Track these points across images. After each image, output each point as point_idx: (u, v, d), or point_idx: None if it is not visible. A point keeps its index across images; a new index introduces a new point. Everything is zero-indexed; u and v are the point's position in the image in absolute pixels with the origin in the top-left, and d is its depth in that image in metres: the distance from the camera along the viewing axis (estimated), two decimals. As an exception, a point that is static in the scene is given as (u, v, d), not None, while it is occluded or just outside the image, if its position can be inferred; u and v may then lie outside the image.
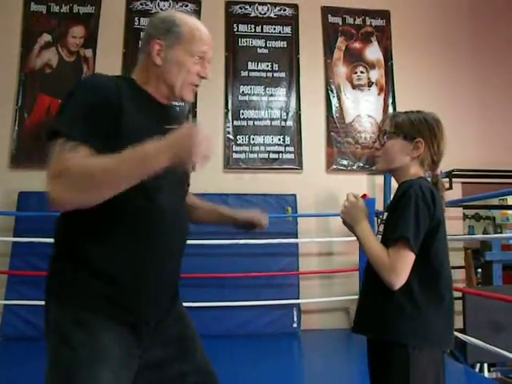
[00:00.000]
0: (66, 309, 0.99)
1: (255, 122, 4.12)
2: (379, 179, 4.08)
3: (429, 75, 4.35)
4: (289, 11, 4.32)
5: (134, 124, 1.00)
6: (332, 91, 4.27)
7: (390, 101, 4.32)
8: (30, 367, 2.39)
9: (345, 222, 1.26)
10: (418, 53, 4.37)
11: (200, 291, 3.30)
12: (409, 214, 1.11)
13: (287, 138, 4.13)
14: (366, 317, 1.22)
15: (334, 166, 4.16)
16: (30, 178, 3.56)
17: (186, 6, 4.19)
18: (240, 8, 4.27)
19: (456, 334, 2.74)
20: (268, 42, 4.25)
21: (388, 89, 4.34)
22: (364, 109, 4.29)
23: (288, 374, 2.62)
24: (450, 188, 3.68)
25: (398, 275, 1.10)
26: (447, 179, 3.64)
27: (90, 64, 4.00)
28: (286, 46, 4.27)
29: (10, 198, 3.61)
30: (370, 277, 1.18)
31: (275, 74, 4.21)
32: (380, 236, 1.22)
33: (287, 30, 4.29)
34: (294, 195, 3.92)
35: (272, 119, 4.15)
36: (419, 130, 1.22)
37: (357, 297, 3.50)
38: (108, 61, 3.95)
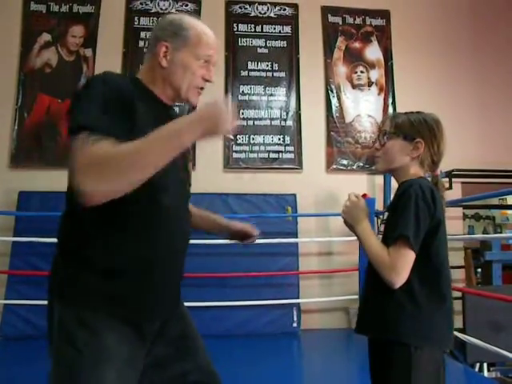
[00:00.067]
0: (69, 308, 0.99)
1: (255, 122, 4.12)
2: (379, 179, 4.08)
3: (429, 75, 4.35)
4: (289, 11, 4.32)
5: (145, 123, 1.00)
6: (332, 91, 4.27)
7: (390, 100, 4.32)
8: (29, 367, 2.41)
9: (346, 222, 1.26)
10: (417, 53, 4.37)
11: (200, 291, 3.29)
12: (409, 214, 1.11)
13: (287, 138, 4.13)
14: (367, 317, 1.22)
15: (334, 166, 4.16)
16: (30, 178, 3.57)
17: (186, 5, 4.19)
18: (240, 8, 4.27)
19: (456, 333, 2.74)
20: (268, 41, 4.25)
21: (388, 88, 4.34)
22: (364, 108, 4.28)
23: (288, 374, 2.62)
24: (450, 188, 3.69)
25: (399, 274, 1.11)
26: (447, 179, 3.65)
27: (90, 63, 4.00)
28: (285, 45, 4.26)
29: (10, 198, 3.61)
30: (371, 276, 1.18)
31: (275, 74, 4.21)
32: (381, 236, 1.22)
33: (287, 29, 4.29)
34: (294, 195, 3.92)
35: (272, 119, 4.15)
36: (419, 130, 1.23)
37: (357, 297, 3.56)
38: (108, 60, 3.95)
